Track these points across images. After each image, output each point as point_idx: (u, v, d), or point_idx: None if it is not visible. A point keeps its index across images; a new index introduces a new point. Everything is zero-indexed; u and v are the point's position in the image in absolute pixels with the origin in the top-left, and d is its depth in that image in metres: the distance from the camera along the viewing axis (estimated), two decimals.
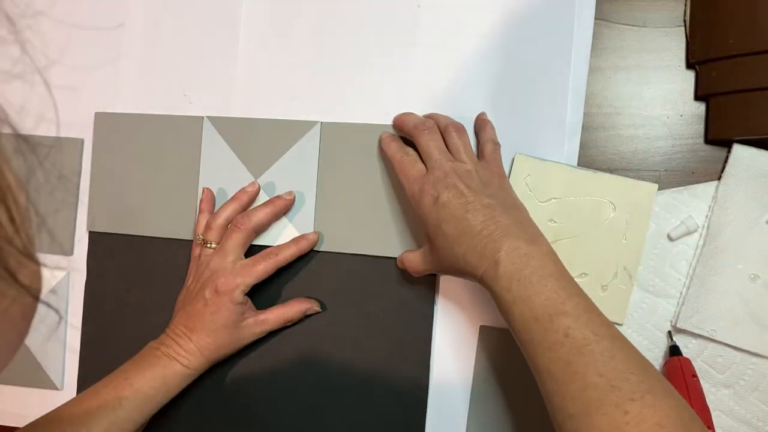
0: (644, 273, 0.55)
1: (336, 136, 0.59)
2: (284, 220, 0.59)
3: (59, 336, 0.63)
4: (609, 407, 0.39)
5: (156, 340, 0.55)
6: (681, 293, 0.54)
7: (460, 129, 0.52)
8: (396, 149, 0.54)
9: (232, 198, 0.58)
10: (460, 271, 0.48)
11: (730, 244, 0.53)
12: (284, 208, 0.58)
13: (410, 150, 0.53)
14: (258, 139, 0.60)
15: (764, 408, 0.53)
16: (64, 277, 0.64)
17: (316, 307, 0.58)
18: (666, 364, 0.52)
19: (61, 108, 0.64)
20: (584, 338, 0.41)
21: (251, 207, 0.59)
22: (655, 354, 0.54)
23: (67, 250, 0.64)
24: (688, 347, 0.54)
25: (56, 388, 0.63)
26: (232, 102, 0.62)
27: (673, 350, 0.52)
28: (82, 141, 0.64)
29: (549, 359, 0.42)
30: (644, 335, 0.55)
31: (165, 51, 0.63)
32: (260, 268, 0.55)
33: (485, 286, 0.46)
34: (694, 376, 0.50)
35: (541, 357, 0.43)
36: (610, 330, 0.43)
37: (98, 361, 0.62)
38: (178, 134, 0.62)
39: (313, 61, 0.60)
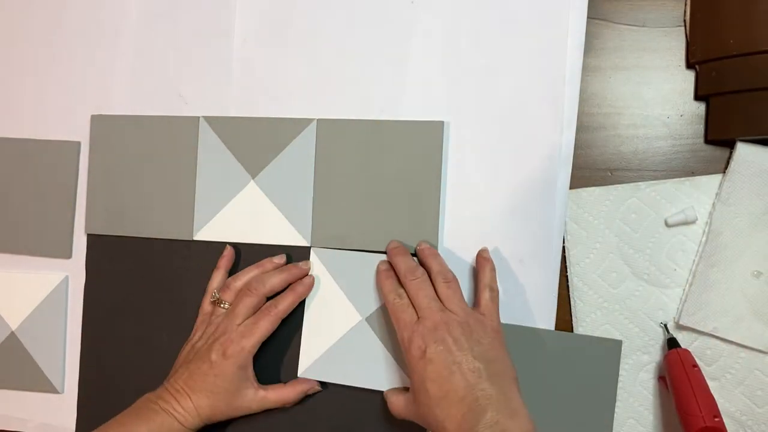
0: (640, 261, 0.55)
1: (332, 133, 0.59)
2: (282, 217, 0.59)
3: (59, 339, 0.63)
4: None
5: (154, 393, 0.54)
6: (684, 290, 0.54)
7: (450, 280, 0.52)
8: (390, 289, 0.53)
9: (257, 264, 0.58)
10: None
11: (733, 240, 0.53)
12: (299, 275, 0.57)
13: (404, 293, 0.52)
14: (254, 137, 0.60)
15: (748, 402, 0.53)
16: (63, 280, 0.63)
17: (317, 387, 0.57)
18: (666, 357, 0.52)
19: (57, 111, 0.64)
20: None
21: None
22: (644, 341, 0.55)
23: (66, 253, 0.63)
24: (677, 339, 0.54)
25: (57, 392, 0.63)
26: (227, 101, 0.61)
27: (671, 343, 0.53)
28: (78, 144, 0.64)
29: None
30: (635, 323, 0.55)
31: (159, 52, 0.63)
32: (262, 325, 0.54)
33: None
34: (695, 366, 0.51)
35: None
36: None
37: (99, 364, 0.62)
38: (175, 135, 0.61)
39: (307, 58, 0.60)
